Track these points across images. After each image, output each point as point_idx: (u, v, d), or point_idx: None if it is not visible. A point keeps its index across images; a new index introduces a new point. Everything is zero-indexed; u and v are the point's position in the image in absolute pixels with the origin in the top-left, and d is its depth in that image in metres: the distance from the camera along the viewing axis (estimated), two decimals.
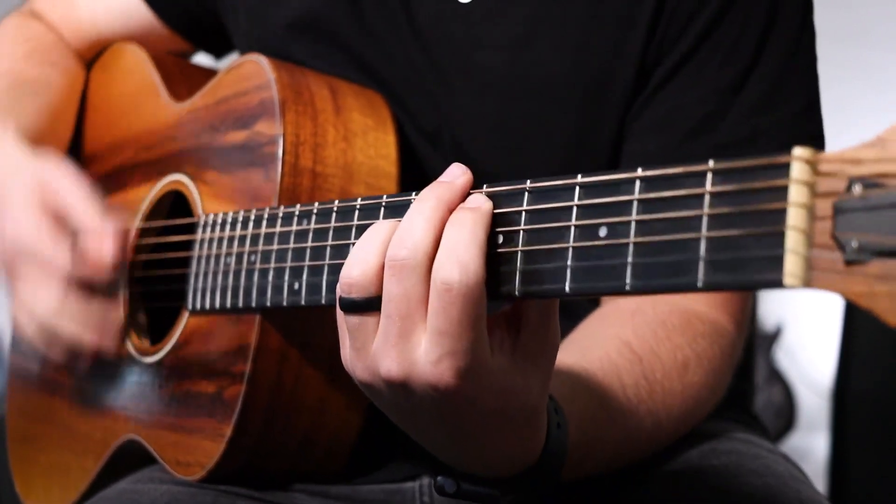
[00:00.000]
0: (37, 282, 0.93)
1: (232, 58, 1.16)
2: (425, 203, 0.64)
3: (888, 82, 2.86)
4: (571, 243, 0.60)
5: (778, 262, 0.50)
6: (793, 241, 0.50)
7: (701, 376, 0.90)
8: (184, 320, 0.94)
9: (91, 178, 1.16)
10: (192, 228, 0.94)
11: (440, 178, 0.66)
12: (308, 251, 0.77)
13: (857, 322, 1.37)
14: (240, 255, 0.85)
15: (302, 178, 0.87)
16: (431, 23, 0.97)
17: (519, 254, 0.62)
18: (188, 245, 0.94)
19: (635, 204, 0.57)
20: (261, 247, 0.83)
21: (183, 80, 1.09)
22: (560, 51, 0.94)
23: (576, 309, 0.98)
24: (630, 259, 0.57)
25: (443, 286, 0.61)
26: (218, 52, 1.22)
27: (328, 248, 0.75)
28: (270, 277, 0.81)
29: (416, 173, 0.96)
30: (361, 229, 0.70)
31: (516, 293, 0.62)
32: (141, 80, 1.12)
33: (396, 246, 0.63)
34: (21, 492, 1.16)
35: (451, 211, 0.64)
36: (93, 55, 1.22)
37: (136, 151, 1.09)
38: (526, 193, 0.63)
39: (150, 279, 1.03)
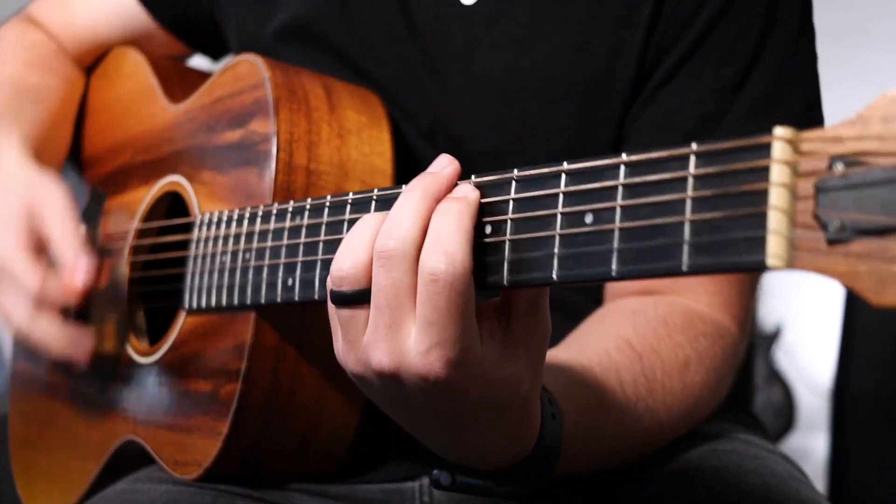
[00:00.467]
0: (11, 295, 0.98)
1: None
2: (412, 194, 0.64)
3: (888, 82, 2.84)
4: (558, 231, 0.59)
5: (760, 243, 0.50)
6: (775, 222, 0.50)
7: (702, 376, 0.89)
8: (181, 320, 0.94)
9: (91, 181, 1.17)
10: (188, 228, 0.95)
11: (428, 169, 0.66)
12: (301, 247, 0.77)
13: (856, 322, 1.36)
14: (235, 254, 0.85)
15: (296, 176, 0.87)
16: (431, 23, 0.97)
17: (507, 243, 0.62)
18: (185, 245, 0.94)
19: (620, 189, 0.57)
20: (255, 244, 0.83)
21: (180, 82, 1.09)
22: (560, 52, 0.94)
23: (576, 308, 0.98)
24: (616, 245, 0.57)
25: (429, 276, 0.61)
26: (216, 55, 1.23)
27: (321, 244, 0.75)
28: (265, 274, 0.81)
29: (414, 172, 0.96)
30: (353, 224, 0.69)
31: (504, 282, 0.62)
32: (139, 83, 1.13)
33: (384, 237, 0.63)
34: (23, 495, 1.17)
35: (438, 201, 0.64)
36: (92, 60, 1.23)
37: (135, 154, 1.09)
38: (513, 182, 0.63)
39: (148, 279, 1.03)
